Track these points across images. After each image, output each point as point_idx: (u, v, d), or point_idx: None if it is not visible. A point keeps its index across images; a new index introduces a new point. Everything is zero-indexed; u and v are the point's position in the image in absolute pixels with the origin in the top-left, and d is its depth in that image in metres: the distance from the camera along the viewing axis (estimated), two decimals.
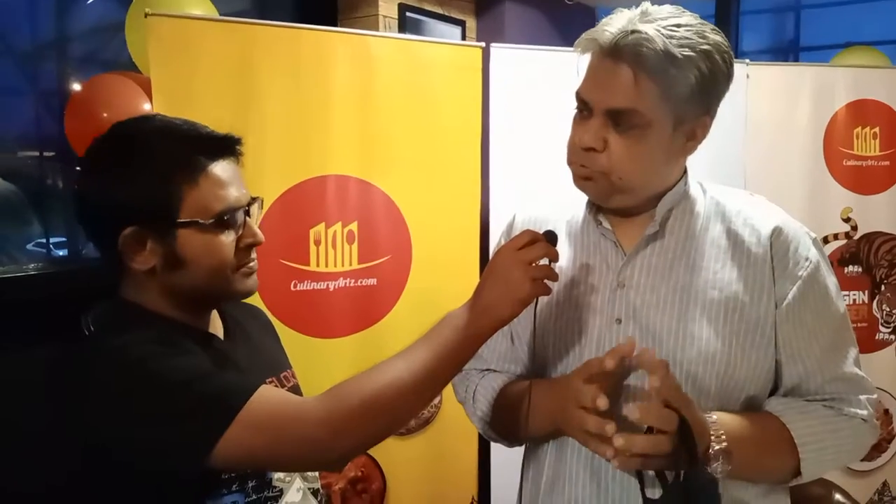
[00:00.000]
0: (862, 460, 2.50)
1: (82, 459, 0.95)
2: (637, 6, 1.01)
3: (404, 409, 0.99)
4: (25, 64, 2.38)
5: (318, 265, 1.99)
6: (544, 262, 0.99)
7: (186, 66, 1.79)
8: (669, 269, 1.07)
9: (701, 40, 0.97)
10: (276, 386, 1.15)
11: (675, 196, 1.09)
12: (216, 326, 1.13)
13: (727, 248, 1.08)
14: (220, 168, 1.01)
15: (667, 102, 0.98)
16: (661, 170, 1.06)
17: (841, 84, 2.57)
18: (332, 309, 2.02)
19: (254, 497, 1.05)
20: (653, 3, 1.01)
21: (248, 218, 1.05)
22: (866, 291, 2.66)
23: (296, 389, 1.20)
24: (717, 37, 1.00)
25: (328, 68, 1.98)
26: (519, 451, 1.24)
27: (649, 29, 0.95)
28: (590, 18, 3.61)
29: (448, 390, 1.23)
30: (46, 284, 2.11)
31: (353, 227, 2.03)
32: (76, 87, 2.27)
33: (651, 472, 0.98)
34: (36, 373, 1.10)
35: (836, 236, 2.60)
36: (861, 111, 2.58)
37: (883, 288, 2.67)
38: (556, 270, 1.05)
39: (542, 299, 1.08)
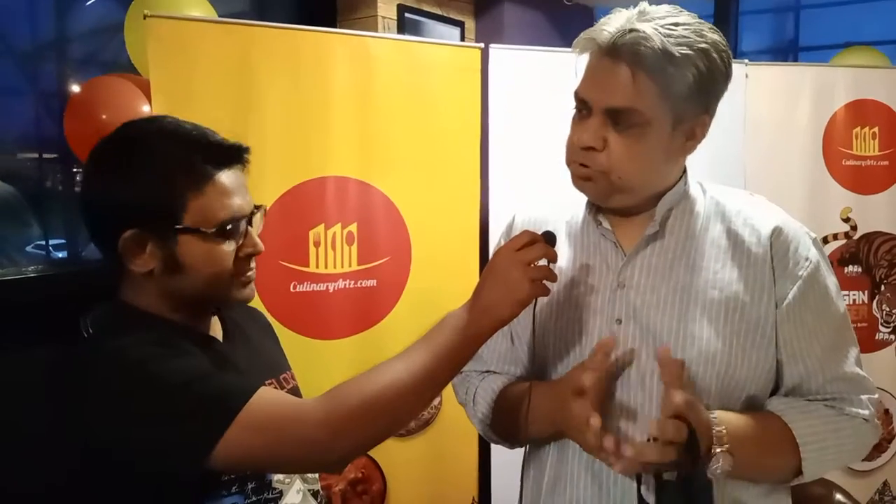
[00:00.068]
0: (863, 460, 2.50)
1: (82, 460, 0.95)
2: (635, 6, 1.01)
3: (404, 410, 0.99)
4: (25, 65, 2.38)
5: (317, 266, 1.99)
6: (543, 262, 0.99)
7: (185, 67, 1.79)
8: (669, 269, 1.07)
9: (699, 39, 0.97)
10: (276, 388, 1.15)
11: (675, 196, 1.09)
12: (216, 328, 1.13)
13: (727, 248, 1.08)
14: (227, 177, 1.01)
15: (665, 101, 0.98)
16: (661, 169, 1.06)
17: (840, 84, 2.57)
18: (332, 310, 2.02)
19: (253, 499, 1.05)
20: (651, 3, 1.01)
21: (249, 227, 1.05)
22: (866, 291, 2.65)
23: (295, 391, 1.20)
24: (714, 35, 1.00)
25: (327, 69, 1.98)
26: (519, 451, 1.24)
27: (647, 28, 0.96)
28: (588, 19, 3.61)
29: (448, 391, 1.23)
30: (46, 286, 2.10)
31: (353, 228, 2.03)
32: (75, 88, 2.27)
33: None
34: (36, 374, 1.10)
35: (835, 236, 2.60)
36: (860, 111, 2.58)
37: (883, 288, 2.67)
38: (556, 271, 1.05)
39: (543, 300, 1.08)
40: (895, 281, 2.67)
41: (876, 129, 2.60)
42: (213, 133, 1.04)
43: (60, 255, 2.42)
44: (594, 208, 1.12)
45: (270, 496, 1.08)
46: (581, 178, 1.06)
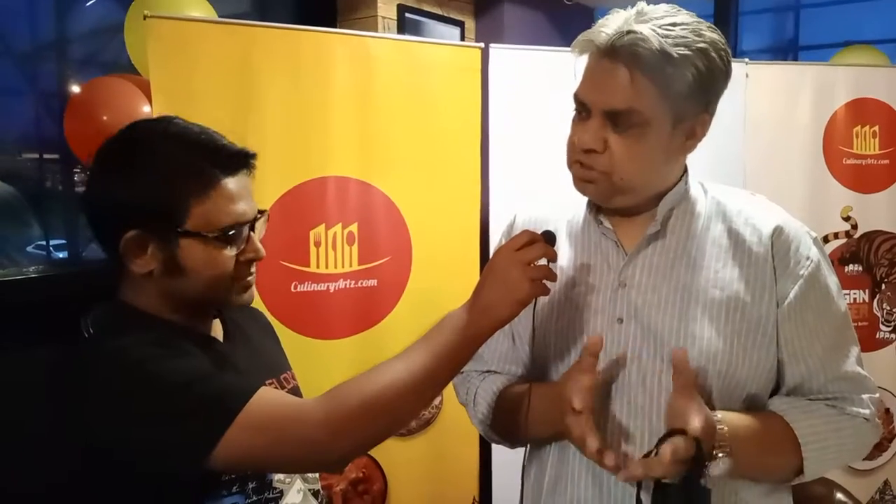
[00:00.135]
0: (863, 459, 2.50)
1: (82, 460, 0.95)
2: (634, 6, 1.01)
3: (404, 410, 0.99)
4: (25, 65, 2.38)
5: (318, 266, 1.99)
6: (543, 262, 0.99)
7: (185, 67, 1.79)
8: (671, 269, 1.07)
9: (697, 38, 0.97)
10: (276, 388, 1.15)
11: (677, 196, 1.09)
12: (216, 329, 1.13)
13: (728, 247, 1.08)
14: (233, 182, 1.00)
15: (665, 101, 0.98)
16: (662, 169, 1.06)
17: (840, 83, 2.57)
18: (333, 310, 2.02)
19: (254, 498, 1.05)
20: (650, 2, 1.01)
21: (252, 233, 1.04)
22: (867, 290, 2.65)
23: (296, 391, 1.20)
24: (713, 34, 1.00)
25: (327, 69, 1.98)
26: (520, 451, 1.24)
27: (644, 29, 0.95)
28: (588, 18, 3.61)
29: (449, 391, 1.23)
30: (46, 286, 2.11)
31: (354, 228, 2.03)
32: (75, 89, 2.27)
33: None
34: (36, 374, 1.10)
35: (836, 235, 2.60)
36: (860, 110, 2.58)
37: (883, 286, 2.67)
38: (557, 270, 1.05)
39: (543, 299, 1.08)
40: (895, 280, 2.67)
41: (876, 128, 2.60)
42: (221, 137, 1.03)
43: (61, 255, 2.42)
44: (595, 208, 1.12)
45: (271, 496, 1.08)
46: (583, 181, 1.06)
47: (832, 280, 1.09)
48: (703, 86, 0.99)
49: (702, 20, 1.01)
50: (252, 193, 1.04)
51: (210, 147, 1.01)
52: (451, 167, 2.18)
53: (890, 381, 2.63)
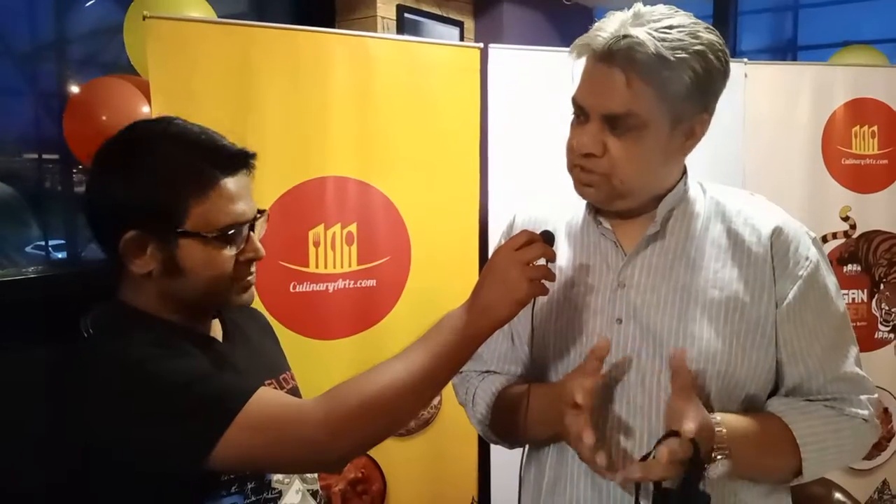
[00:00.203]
0: (862, 459, 2.50)
1: (82, 460, 0.95)
2: (631, 7, 1.01)
3: (403, 410, 0.99)
4: (25, 65, 2.38)
5: (317, 267, 1.99)
6: (542, 262, 0.99)
7: (185, 68, 1.79)
8: (670, 269, 1.07)
9: (694, 41, 0.97)
10: (276, 388, 1.15)
11: (676, 197, 1.09)
12: (215, 329, 1.13)
13: (727, 247, 1.08)
14: (232, 183, 1.00)
15: (663, 103, 0.98)
16: (661, 170, 1.06)
17: (839, 83, 2.57)
18: (332, 310, 2.02)
19: (253, 499, 1.05)
20: (647, 3, 1.01)
21: (251, 233, 1.05)
22: (865, 290, 2.66)
23: (295, 391, 1.20)
24: (710, 35, 1.00)
25: (326, 70, 1.98)
26: (519, 452, 1.24)
27: (641, 33, 0.95)
28: (587, 18, 3.61)
29: (448, 391, 1.23)
30: (45, 287, 2.11)
31: (353, 228, 2.03)
32: (75, 89, 2.27)
33: None
34: (36, 374, 1.10)
35: (834, 235, 2.61)
36: (859, 110, 2.58)
37: (882, 286, 2.67)
38: (557, 270, 1.04)
39: (543, 299, 1.08)
40: (894, 279, 2.67)
41: (875, 128, 2.60)
42: (221, 137, 1.03)
43: (60, 255, 2.42)
44: (594, 208, 1.12)
45: (270, 496, 1.08)
46: (583, 185, 1.06)
47: (831, 280, 1.09)
48: (701, 87, 0.99)
49: (699, 21, 1.01)
50: (251, 193, 1.04)
51: (210, 147, 1.01)
52: (450, 167, 2.18)
53: (888, 381, 2.63)
